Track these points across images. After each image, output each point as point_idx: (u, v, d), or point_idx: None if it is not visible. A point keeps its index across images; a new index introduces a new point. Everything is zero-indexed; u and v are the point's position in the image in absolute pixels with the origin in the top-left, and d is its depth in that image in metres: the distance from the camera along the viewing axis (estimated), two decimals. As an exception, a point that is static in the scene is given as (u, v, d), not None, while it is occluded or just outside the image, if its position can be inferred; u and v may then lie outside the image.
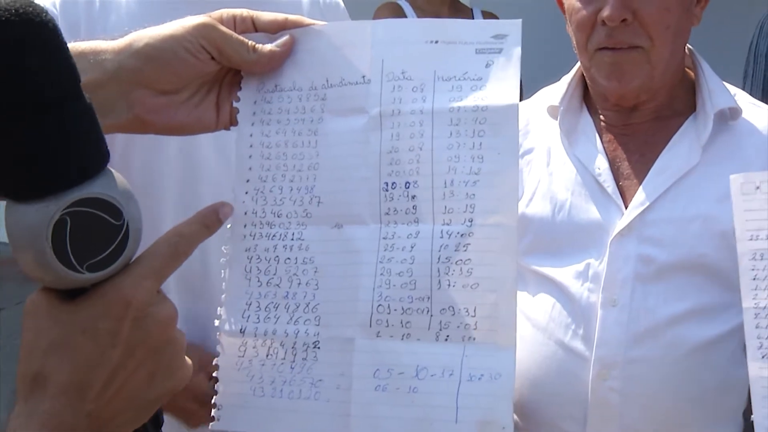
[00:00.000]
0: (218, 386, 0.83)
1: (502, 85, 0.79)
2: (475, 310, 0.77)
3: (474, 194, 0.78)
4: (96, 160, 0.63)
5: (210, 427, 0.83)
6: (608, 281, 1.34)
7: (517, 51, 0.80)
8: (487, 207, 0.77)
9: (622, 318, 1.33)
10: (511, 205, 0.78)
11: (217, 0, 0.98)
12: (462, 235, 0.78)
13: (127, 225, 0.63)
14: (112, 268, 0.63)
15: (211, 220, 0.76)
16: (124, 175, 1.51)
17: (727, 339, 1.34)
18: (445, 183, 0.79)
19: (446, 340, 0.77)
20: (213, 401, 0.83)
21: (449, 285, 0.78)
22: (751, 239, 1.02)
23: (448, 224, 0.78)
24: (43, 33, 0.58)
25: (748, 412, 1.38)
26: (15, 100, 0.57)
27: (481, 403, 0.76)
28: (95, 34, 0.81)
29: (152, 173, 1.44)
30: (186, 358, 0.69)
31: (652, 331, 1.32)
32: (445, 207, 0.79)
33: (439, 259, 0.78)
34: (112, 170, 0.64)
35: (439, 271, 0.78)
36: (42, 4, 1.58)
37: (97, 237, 0.62)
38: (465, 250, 0.78)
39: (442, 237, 0.78)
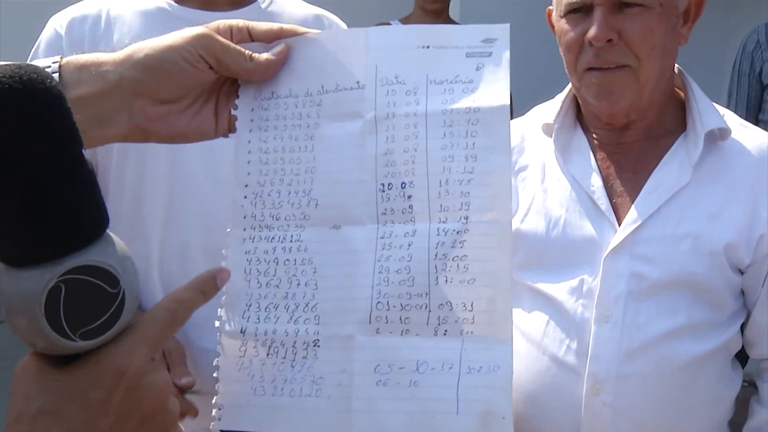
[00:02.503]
0: (219, 386, 0.83)
1: (492, 86, 0.81)
2: (472, 305, 0.78)
3: (469, 192, 0.79)
4: (95, 226, 0.61)
5: (211, 427, 0.83)
6: (602, 297, 1.35)
7: (506, 54, 0.81)
8: (482, 204, 0.79)
9: (615, 334, 1.34)
10: (505, 202, 0.79)
11: (219, 17, 1.00)
12: (458, 232, 0.79)
13: (124, 293, 0.62)
14: (106, 336, 0.62)
15: (208, 286, 0.75)
16: (118, 188, 1.50)
17: (716, 355, 1.36)
18: (440, 182, 0.80)
19: (445, 334, 0.78)
20: (214, 401, 0.83)
21: (446, 281, 0.79)
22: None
23: (444, 222, 0.79)
24: (46, 99, 0.57)
25: (733, 422, 1.40)
26: (15, 165, 0.55)
27: (480, 395, 0.76)
28: (97, 51, 0.84)
29: (143, 187, 1.46)
30: (179, 425, 0.68)
31: (644, 347, 1.33)
32: (441, 205, 0.80)
33: (436, 256, 0.79)
34: (112, 235, 0.63)
35: (436, 267, 0.79)
36: (50, 24, 1.58)
37: (92, 305, 0.60)
38: (461, 247, 0.79)
39: (438, 235, 0.79)
